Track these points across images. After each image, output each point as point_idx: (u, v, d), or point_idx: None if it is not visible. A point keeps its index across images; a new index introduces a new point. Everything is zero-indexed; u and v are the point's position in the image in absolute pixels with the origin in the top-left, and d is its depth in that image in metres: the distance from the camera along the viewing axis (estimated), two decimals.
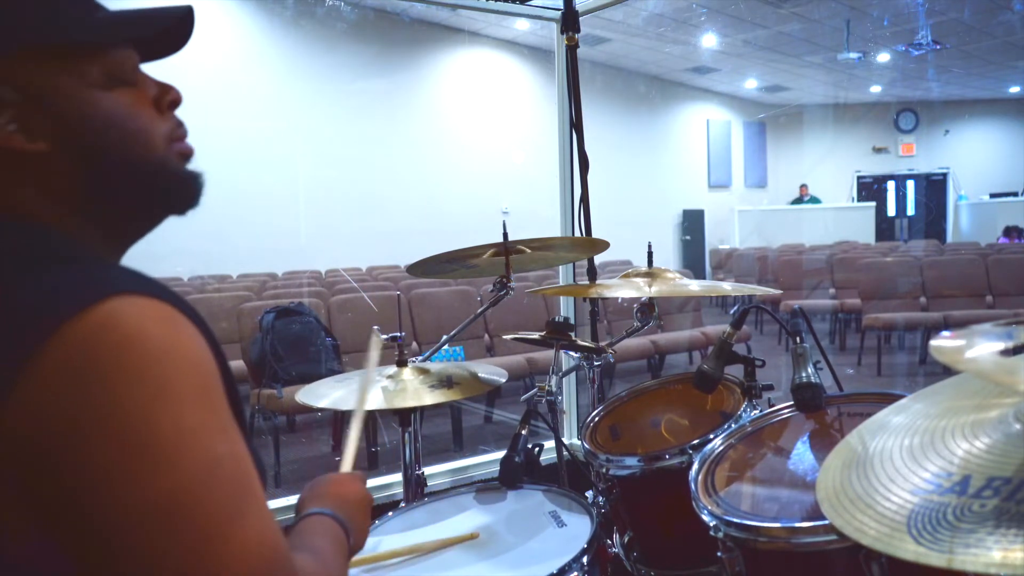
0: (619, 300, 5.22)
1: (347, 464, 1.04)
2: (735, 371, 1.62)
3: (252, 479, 0.62)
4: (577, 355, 2.06)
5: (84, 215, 0.71)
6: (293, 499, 1.17)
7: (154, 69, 0.81)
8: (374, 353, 1.26)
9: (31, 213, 0.68)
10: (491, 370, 1.82)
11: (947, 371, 0.73)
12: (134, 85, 0.74)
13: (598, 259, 2.40)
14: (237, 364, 4.57)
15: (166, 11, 0.75)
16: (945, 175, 14.98)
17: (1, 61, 0.66)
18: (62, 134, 0.68)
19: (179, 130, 0.77)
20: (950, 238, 14.17)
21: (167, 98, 0.76)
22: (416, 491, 1.81)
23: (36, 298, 0.59)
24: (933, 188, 15.12)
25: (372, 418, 4.32)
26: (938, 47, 10.46)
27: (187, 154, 0.77)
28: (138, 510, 0.56)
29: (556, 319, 1.82)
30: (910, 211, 15.23)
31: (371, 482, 2.28)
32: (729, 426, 1.45)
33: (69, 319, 0.57)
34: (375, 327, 1.25)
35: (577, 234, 2.53)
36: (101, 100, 0.70)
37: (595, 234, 2.45)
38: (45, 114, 0.67)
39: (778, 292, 2.76)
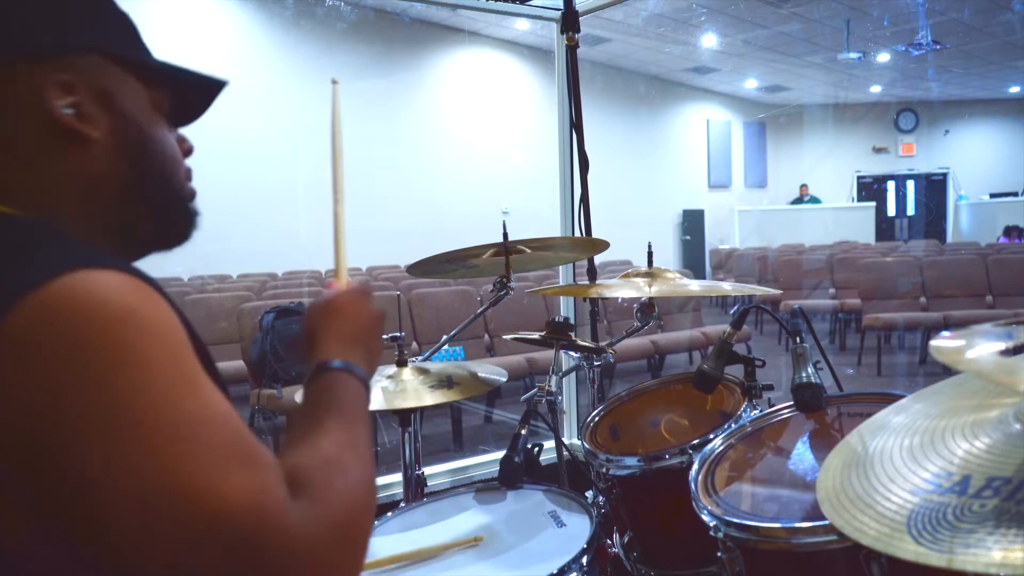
0: (619, 300, 5.23)
1: (343, 273, 0.92)
2: (735, 371, 1.62)
3: (232, 430, 0.61)
4: (577, 355, 2.06)
5: (103, 220, 0.75)
6: None
7: None
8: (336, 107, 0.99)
9: (53, 207, 0.72)
10: (491, 370, 1.82)
11: (947, 371, 0.73)
12: (167, 126, 0.82)
13: (598, 259, 2.40)
14: (237, 364, 4.57)
15: (205, 76, 0.84)
16: (945, 175, 14.98)
17: (78, 57, 0.74)
18: (115, 131, 0.75)
19: (190, 172, 0.85)
20: (950, 238, 14.17)
21: (184, 146, 0.85)
22: (416, 491, 1.82)
23: None
24: (933, 188, 15.12)
25: (372, 418, 4.30)
26: (938, 47, 10.46)
27: (193, 195, 0.85)
28: (118, 477, 0.55)
29: (556, 319, 1.82)
30: (910, 211, 15.23)
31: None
32: (729, 426, 1.44)
33: (24, 296, 0.56)
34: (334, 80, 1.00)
35: (577, 234, 2.53)
36: (148, 119, 0.79)
37: (595, 234, 2.45)
38: (104, 110, 0.74)
39: (778, 292, 2.76)
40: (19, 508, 0.57)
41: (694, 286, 1.87)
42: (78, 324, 0.57)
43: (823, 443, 1.31)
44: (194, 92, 0.85)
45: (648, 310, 1.88)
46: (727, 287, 1.83)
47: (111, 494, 0.55)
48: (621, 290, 1.80)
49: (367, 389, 0.79)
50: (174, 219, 0.82)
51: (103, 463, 0.55)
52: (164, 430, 0.57)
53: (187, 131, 0.87)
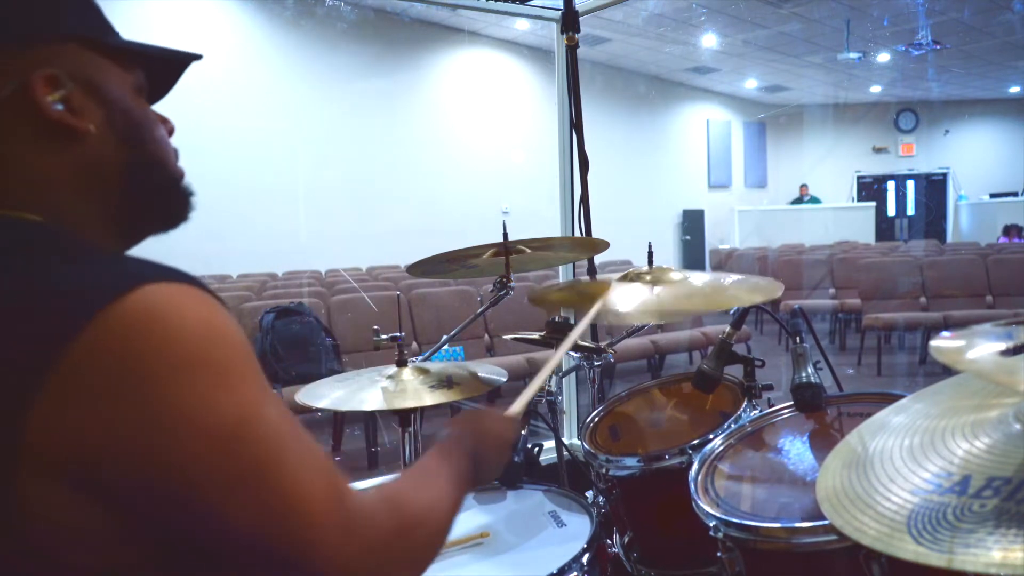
0: None
1: (517, 405, 1.03)
2: (735, 371, 1.61)
3: (301, 430, 0.65)
4: (577, 355, 2.06)
5: (105, 212, 0.74)
6: None
7: None
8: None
9: (56, 206, 0.70)
10: (491, 370, 1.82)
11: (947, 371, 0.73)
12: (148, 106, 0.80)
13: (598, 259, 2.40)
14: None
15: (179, 52, 0.82)
16: (945, 175, 14.98)
17: (56, 48, 0.70)
18: (107, 121, 0.72)
19: (177, 152, 0.83)
20: (950, 238, 14.16)
21: (167, 127, 0.82)
22: None
23: (61, 290, 0.59)
24: (933, 188, 15.11)
25: (372, 418, 4.31)
26: (938, 47, 10.46)
27: (183, 175, 0.83)
28: (225, 486, 0.59)
29: (556, 319, 1.82)
30: (910, 211, 15.23)
31: (371, 482, 2.28)
32: (729, 426, 1.45)
33: (103, 308, 0.57)
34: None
35: (577, 234, 2.53)
36: (136, 103, 0.77)
37: (595, 234, 2.45)
38: (94, 100, 0.72)
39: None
40: (86, 505, 0.58)
41: None
42: (168, 342, 0.58)
43: (823, 443, 1.31)
44: (164, 68, 0.83)
45: None
46: None
47: (220, 499, 0.59)
48: None
49: (472, 462, 0.87)
50: (173, 201, 0.80)
51: (213, 470, 0.58)
52: (261, 440, 0.61)
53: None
